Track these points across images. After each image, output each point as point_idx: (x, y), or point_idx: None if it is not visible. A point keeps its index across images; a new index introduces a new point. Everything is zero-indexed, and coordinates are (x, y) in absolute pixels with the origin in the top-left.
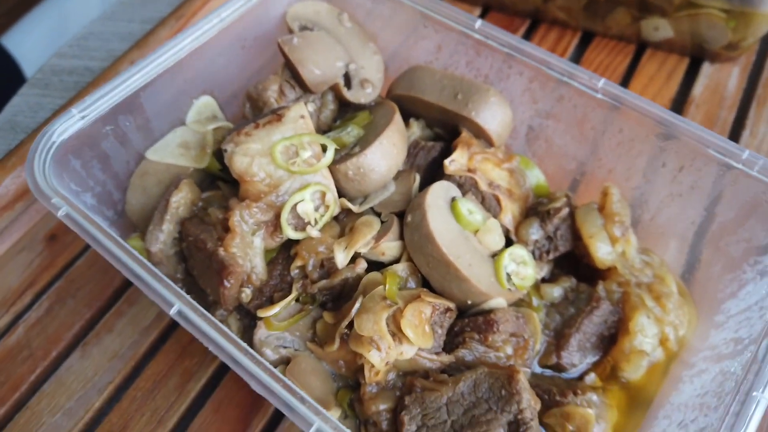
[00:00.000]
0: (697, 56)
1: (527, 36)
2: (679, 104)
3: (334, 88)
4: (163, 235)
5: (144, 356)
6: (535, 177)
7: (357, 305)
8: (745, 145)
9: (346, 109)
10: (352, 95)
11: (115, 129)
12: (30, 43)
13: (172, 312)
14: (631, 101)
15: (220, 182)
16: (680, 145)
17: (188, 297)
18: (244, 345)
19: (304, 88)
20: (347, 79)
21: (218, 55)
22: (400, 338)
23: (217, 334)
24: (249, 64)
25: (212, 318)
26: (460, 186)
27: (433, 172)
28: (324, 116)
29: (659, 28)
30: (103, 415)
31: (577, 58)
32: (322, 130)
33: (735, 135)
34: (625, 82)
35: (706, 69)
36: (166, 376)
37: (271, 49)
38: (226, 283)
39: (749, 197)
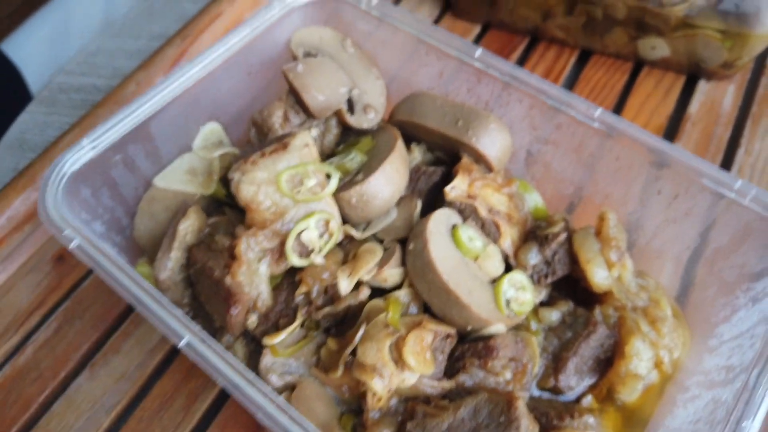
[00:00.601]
0: (693, 74)
1: (526, 53)
2: (675, 121)
3: (338, 114)
4: (172, 262)
5: (150, 377)
6: (534, 200)
7: (360, 333)
8: (740, 163)
9: (349, 133)
10: (355, 121)
11: (125, 157)
12: (30, 47)
13: (182, 344)
14: (627, 130)
15: (226, 207)
16: (674, 174)
17: (196, 328)
18: (249, 375)
19: (308, 114)
20: (350, 105)
21: (224, 82)
22: (403, 365)
23: (222, 363)
24: (254, 89)
25: (218, 348)
26: (460, 212)
27: (435, 197)
28: (327, 141)
29: (656, 47)
30: None
31: (575, 76)
32: (326, 154)
33: (730, 152)
34: (623, 99)
35: (702, 87)
36: (172, 396)
37: (277, 75)
38: (233, 310)
39: (742, 225)
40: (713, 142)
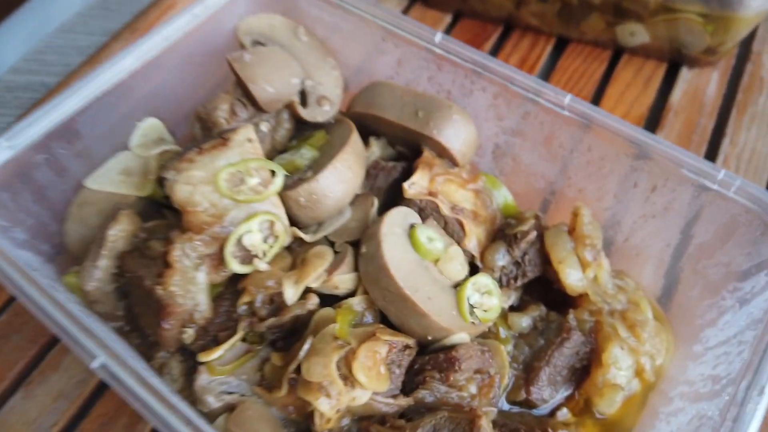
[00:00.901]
0: (675, 61)
1: (500, 43)
2: (657, 111)
3: (290, 107)
4: (99, 271)
5: (91, 396)
6: (503, 196)
7: (306, 346)
8: (726, 154)
9: (304, 128)
10: (308, 114)
11: (50, 158)
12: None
13: (94, 365)
14: (600, 119)
15: (166, 211)
16: (652, 165)
17: (114, 348)
18: (172, 399)
19: (257, 107)
20: (303, 97)
21: (165, 75)
22: (353, 382)
23: (142, 390)
24: (200, 83)
25: (141, 373)
26: (421, 211)
27: (395, 195)
28: (279, 136)
29: (635, 34)
30: None
31: (551, 65)
32: (278, 150)
33: (715, 143)
34: (601, 89)
35: (685, 74)
36: (113, 417)
37: (224, 67)
38: (164, 324)
39: (726, 219)
40: (697, 133)
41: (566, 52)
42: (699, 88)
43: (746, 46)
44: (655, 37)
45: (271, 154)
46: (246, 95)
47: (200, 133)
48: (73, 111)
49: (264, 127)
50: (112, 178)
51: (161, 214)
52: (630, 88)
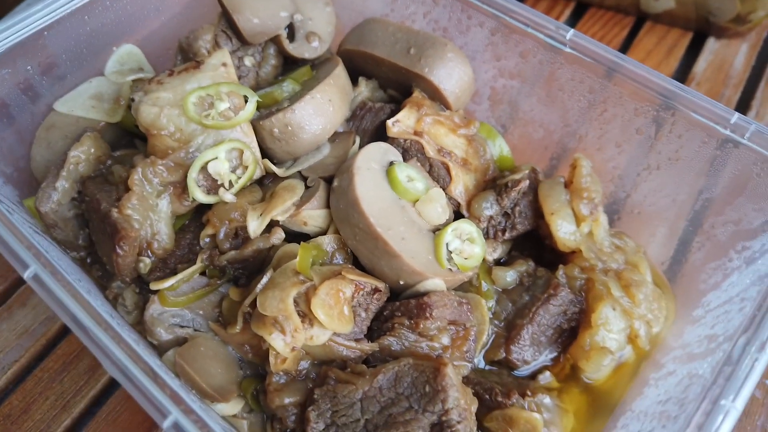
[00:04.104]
0: (701, 31)
1: None
2: (678, 81)
3: (276, 41)
4: (57, 194)
5: (56, 335)
6: (499, 147)
7: (264, 280)
8: None
9: (292, 67)
10: (294, 49)
11: (15, 75)
12: None
13: (27, 275)
14: (601, 54)
15: (137, 140)
16: (657, 107)
17: (48, 256)
18: (97, 308)
19: (242, 40)
20: (291, 32)
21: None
22: (312, 320)
23: (65, 294)
24: (186, 12)
25: (70, 280)
26: (405, 151)
27: (381, 138)
28: (264, 72)
29: None
30: (4, 396)
31: None
32: (261, 87)
33: None
34: None
35: (711, 45)
36: (77, 357)
37: None
38: (118, 249)
39: (738, 170)
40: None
41: (585, 16)
42: (725, 59)
43: None
44: (680, 3)
45: (255, 92)
46: (231, 26)
47: (182, 63)
48: (41, 25)
49: (248, 61)
50: (83, 103)
51: (133, 144)
52: (651, 56)
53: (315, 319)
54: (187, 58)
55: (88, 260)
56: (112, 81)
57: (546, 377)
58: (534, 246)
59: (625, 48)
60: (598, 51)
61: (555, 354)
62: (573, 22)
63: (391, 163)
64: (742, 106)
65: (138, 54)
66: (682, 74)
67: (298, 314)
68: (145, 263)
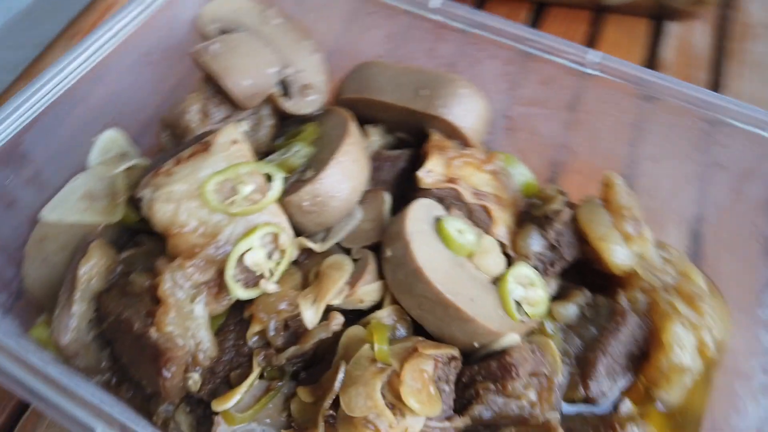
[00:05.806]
0: (659, 16)
1: None
2: (650, 68)
3: (270, 100)
4: (74, 320)
5: None
6: (522, 175)
7: (340, 376)
8: None
9: (287, 124)
10: (293, 106)
11: None
12: None
13: None
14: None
15: (142, 236)
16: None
17: (111, 413)
18: None
19: (233, 105)
20: (284, 88)
21: (120, 77)
22: (402, 409)
23: None
24: (161, 83)
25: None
26: (440, 201)
27: (404, 187)
28: (262, 135)
29: None
30: None
31: None
32: (262, 152)
33: None
34: None
35: (672, 29)
36: None
37: (185, 63)
38: (165, 372)
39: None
40: None
41: (549, 17)
42: (688, 41)
43: None
44: None
45: (255, 158)
46: (218, 92)
47: (169, 142)
48: (14, 131)
49: (243, 127)
50: (73, 206)
51: (137, 242)
52: (617, 48)
53: (405, 407)
54: (175, 134)
55: (113, 382)
56: (100, 174)
57: (627, 407)
58: (576, 271)
59: (590, 43)
60: (627, 70)
61: (627, 380)
62: (534, 23)
63: (438, 219)
64: (714, 85)
65: (120, 138)
66: (651, 61)
67: (387, 406)
68: (195, 380)
